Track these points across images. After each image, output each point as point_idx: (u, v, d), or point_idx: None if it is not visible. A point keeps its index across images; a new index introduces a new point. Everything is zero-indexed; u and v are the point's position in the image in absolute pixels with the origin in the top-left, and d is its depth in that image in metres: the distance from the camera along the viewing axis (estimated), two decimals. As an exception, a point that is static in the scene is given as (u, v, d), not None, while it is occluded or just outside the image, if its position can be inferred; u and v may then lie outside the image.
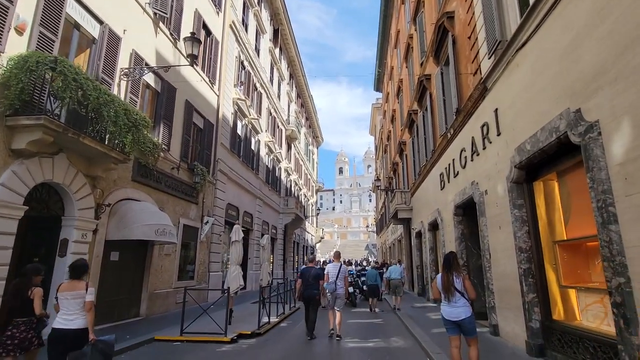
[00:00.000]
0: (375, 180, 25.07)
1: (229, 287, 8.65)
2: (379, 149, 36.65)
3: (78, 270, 4.24)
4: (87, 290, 4.13)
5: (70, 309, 4.05)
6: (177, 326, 7.87)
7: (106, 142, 7.53)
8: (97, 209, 8.12)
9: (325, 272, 8.23)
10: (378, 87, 33.48)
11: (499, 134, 7.00)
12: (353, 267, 17.05)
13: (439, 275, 5.15)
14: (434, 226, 13.26)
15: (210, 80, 14.15)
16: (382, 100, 35.35)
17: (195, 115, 12.99)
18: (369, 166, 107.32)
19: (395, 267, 13.32)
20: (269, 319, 8.96)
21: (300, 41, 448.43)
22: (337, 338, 7.61)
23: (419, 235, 16.00)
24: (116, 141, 7.80)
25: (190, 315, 8.02)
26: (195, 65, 12.71)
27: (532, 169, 6.13)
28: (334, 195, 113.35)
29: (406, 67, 18.02)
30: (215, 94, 14.72)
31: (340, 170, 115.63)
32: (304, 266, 8.60)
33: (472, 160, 8.59)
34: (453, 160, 10.07)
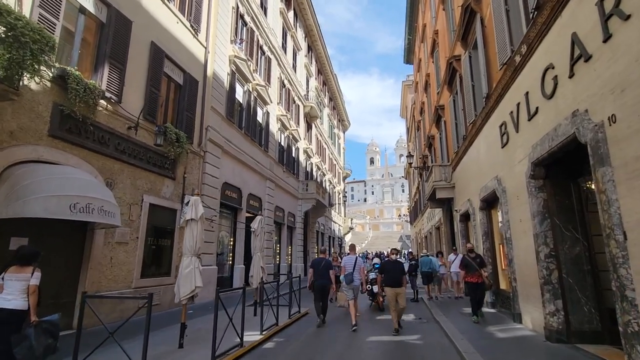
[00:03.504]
0: (407, 157, 21.23)
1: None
2: (411, 129, 32.57)
3: (24, 258, 4.31)
4: (33, 274, 4.25)
5: (11, 290, 4.11)
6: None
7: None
8: (-30, 172, 5.24)
9: (341, 265, 8.49)
10: (408, 58, 29.35)
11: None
12: (377, 260, 13.59)
13: None
14: (489, 203, 9.49)
15: (192, 27, 11.07)
16: (412, 74, 31.26)
17: (168, 64, 9.95)
18: (400, 155, 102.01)
19: (426, 258, 12.14)
20: (241, 338, 5.72)
21: (330, 34, 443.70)
22: (354, 327, 7.50)
23: (466, 217, 12.19)
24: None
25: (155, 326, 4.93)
26: (165, -1, 9.70)
27: None
28: (365, 186, 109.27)
29: (443, 9, 14.12)
30: (202, 45, 11.63)
31: (372, 161, 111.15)
32: (318, 257, 8.65)
33: (571, 75, 4.89)
34: (527, 93, 6.35)
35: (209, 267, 11.58)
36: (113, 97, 7.84)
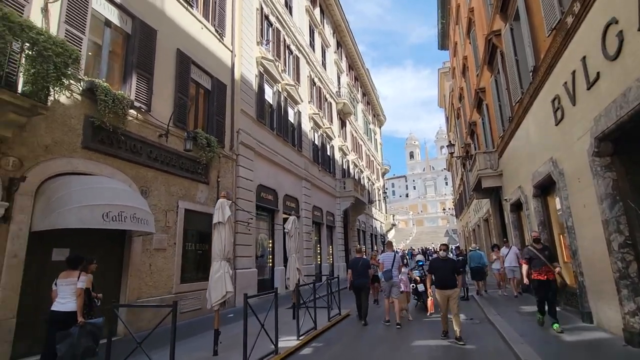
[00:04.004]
0: (447, 147, 20.11)
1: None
2: (451, 117, 31.02)
3: (70, 262, 4.77)
4: (79, 278, 4.60)
5: (63, 294, 4.54)
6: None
7: (-10, 78, 4.69)
8: (8, 186, 5.38)
9: (379, 262, 8.34)
10: (443, 44, 27.94)
11: None
12: (421, 257, 12.79)
13: None
14: (545, 188, 8.52)
15: (217, 31, 11.06)
16: (448, 61, 29.74)
17: (195, 70, 9.96)
18: (441, 147, 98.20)
19: (476, 253, 11.67)
20: (276, 344, 5.42)
21: (361, 31, 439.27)
22: (397, 326, 7.48)
23: (517, 207, 11.15)
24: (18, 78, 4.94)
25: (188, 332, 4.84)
26: (190, 7, 9.75)
27: None
28: (406, 181, 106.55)
29: (477, -16, 13.09)
30: (228, 49, 11.61)
31: (411, 155, 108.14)
32: (355, 257, 8.57)
33: (641, 29, 4.07)
34: (584, 58, 5.49)
35: (249, 270, 11.52)
36: (142, 106, 7.91)
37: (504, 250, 10.84)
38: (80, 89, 6.55)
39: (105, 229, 6.14)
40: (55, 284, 4.64)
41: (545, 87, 7.29)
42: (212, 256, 5.76)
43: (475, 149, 16.95)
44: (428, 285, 6.68)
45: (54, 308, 4.51)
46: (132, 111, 7.60)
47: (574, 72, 5.89)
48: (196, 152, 9.34)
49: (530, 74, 7.90)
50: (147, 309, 7.42)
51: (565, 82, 6.24)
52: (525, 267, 6.62)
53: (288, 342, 6.02)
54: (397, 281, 7.94)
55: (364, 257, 8.54)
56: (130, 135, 7.55)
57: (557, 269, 6.23)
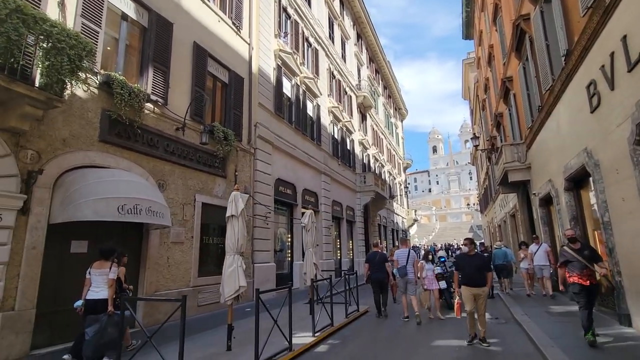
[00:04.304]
0: (472, 140, 19.40)
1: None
2: (475, 110, 29.98)
3: (103, 253, 4.97)
4: (110, 269, 4.85)
5: (97, 283, 4.82)
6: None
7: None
8: (27, 179, 5.44)
9: (394, 258, 8.27)
10: (467, 33, 26.89)
11: None
12: (443, 253, 12.34)
13: None
14: (577, 181, 7.97)
15: (234, 24, 10.95)
16: (473, 51, 28.67)
17: (212, 63, 9.89)
18: (466, 141, 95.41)
19: (500, 250, 11.18)
20: (290, 341, 5.26)
21: (383, 24, 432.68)
22: (418, 323, 7.35)
23: (547, 201, 10.55)
24: (28, 69, 4.96)
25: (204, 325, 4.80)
26: (204, -1, 9.66)
27: None
28: (429, 176, 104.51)
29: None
30: (245, 42, 11.49)
31: (434, 149, 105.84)
32: (372, 251, 8.63)
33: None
34: (624, 37, 4.98)
35: (267, 264, 11.46)
36: (159, 99, 7.90)
37: (533, 247, 10.18)
38: (97, 82, 6.57)
39: (123, 221, 6.19)
40: (89, 273, 4.90)
41: (580, 71, 6.75)
42: (225, 250, 5.65)
43: (501, 142, 16.23)
44: (455, 285, 6.14)
45: (87, 296, 4.78)
46: (148, 104, 7.59)
47: (612, 54, 5.38)
48: (213, 146, 9.30)
49: (563, 58, 7.35)
50: (164, 301, 7.43)
51: (603, 65, 5.73)
52: (562, 272, 5.65)
53: (303, 338, 5.86)
54: (412, 278, 7.82)
55: (381, 251, 8.51)
56: (147, 129, 7.55)
57: (603, 271, 5.23)
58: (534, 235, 11.03)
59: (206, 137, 8.47)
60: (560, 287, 5.81)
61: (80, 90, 6.29)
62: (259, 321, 4.61)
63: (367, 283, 8.62)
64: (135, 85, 7.16)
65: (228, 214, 5.63)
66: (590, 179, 6.84)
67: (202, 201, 8.93)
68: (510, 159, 12.48)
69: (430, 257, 8.61)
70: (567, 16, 7.18)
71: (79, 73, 5.61)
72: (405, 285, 7.81)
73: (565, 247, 5.72)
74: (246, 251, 10.55)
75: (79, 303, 4.81)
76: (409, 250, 8.14)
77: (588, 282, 5.22)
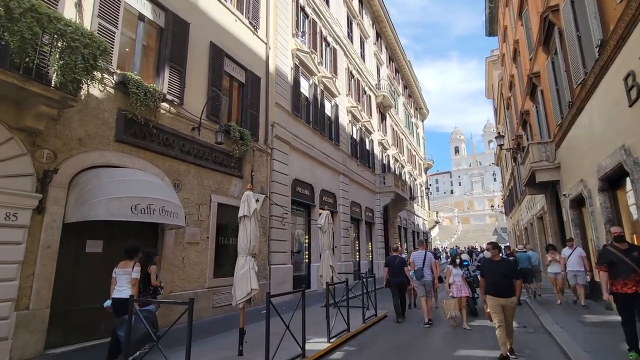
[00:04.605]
0: (496, 139, 18.64)
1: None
2: (500, 109, 28.97)
3: (128, 252, 5.14)
4: (133, 268, 5.01)
5: (121, 282, 4.97)
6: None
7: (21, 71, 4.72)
8: (42, 178, 5.46)
9: (410, 260, 8.21)
10: (491, 30, 26.00)
11: None
12: (466, 256, 11.80)
13: None
14: (613, 181, 7.39)
15: (251, 23, 10.88)
16: (497, 49, 27.73)
17: (228, 63, 9.83)
18: (489, 141, 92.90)
19: (523, 254, 10.94)
20: (303, 347, 5.03)
21: (403, 24, 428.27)
22: (429, 324, 7.44)
23: (578, 202, 9.92)
24: (44, 69, 4.96)
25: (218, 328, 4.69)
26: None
27: None
28: (451, 177, 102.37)
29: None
30: (262, 41, 11.39)
31: (457, 150, 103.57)
32: (391, 255, 8.72)
33: None
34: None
35: (284, 266, 11.30)
36: (175, 99, 7.87)
37: (565, 251, 9.41)
38: (113, 82, 6.58)
39: (138, 221, 6.15)
40: (115, 272, 5.06)
41: (616, 62, 6.24)
42: (238, 251, 5.50)
43: (527, 140, 15.50)
44: (482, 294, 5.47)
45: (113, 295, 4.94)
46: (164, 104, 7.57)
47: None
48: (229, 146, 9.22)
49: (596, 49, 6.83)
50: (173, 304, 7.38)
51: (629, 74, 5.24)
52: (604, 276, 4.82)
53: (317, 344, 5.63)
54: (429, 280, 7.80)
55: (401, 255, 8.42)
56: (163, 129, 7.53)
57: None
58: (568, 238, 10.29)
59: (222, 137, 8.39)
60: (605, 297, 4.97)
61: (96, 90, 6.31)
62: (269, 326, 4.43)
63: (387, 287, 8.59)
64: (151, 85, 7.14)
65: (240, 214, 5.45)
66: (628, 178, 6.30)
67: (218, 201, 8.85)
68: (538, 158, 11.85)
69: (458, 260, 8.00)
70: (601, 4, 6.67)
71: (94, 72, 5.60)
72: (424, 287, 7.73)
73: (608, 247, 4.92)
74: (262, 252, 10.43)
75: (108, 303, 4.98)
76: (426, 252, 8.06)
77: (634, 289, 4.47)
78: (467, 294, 7.56)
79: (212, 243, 8.61)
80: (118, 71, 6.67)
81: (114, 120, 6.58)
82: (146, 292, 5.38)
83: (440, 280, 8.67)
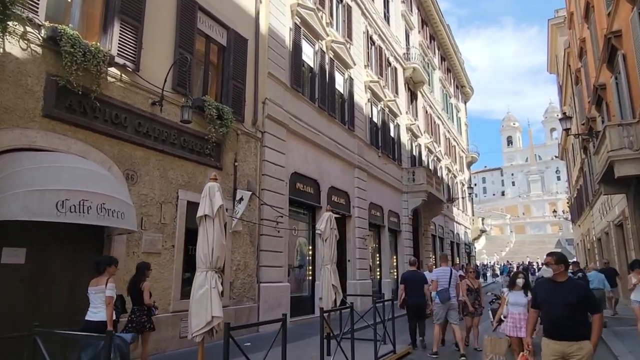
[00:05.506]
0: (560, 121, 17.67)
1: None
2: (566, 86, 27.78)
3: (98, 266, 5.34)
4: (107, 285, 5.11)
5: (95, 303, 5.13)
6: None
7: None
8: (-63, 164, 5.01)
9: (433, 278, 8.35)
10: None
11: None
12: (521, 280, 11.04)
13: None
14: None
15: (236, -32, 10.37)
16: (563, 8, 26.60)
17: (204, 19, 9.32)
18: (552, 130, 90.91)
19: (595, 274, 11.77)
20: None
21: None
22: (462, 358, 7.33)
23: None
24: None
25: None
26: None
27: None
28: (501, 175, 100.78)
29: None
30: (251, -7, 10.89)
31: (509, 141, 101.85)
32: (408, 270, 9.15)
33: None
34: None
35: (279, 284, 10.79)
36: (128, 63, 7.37)
37: None
38: (40, 38, 6.12)
39: (75, 223, 5.69)
40: (88, 292, 5.24)
41: None
42: (196, 264, 4.96)
43: (603, 123, 14.56)
44: (528, 333, 4.62)
45: (87, 317, 5.13)
46: (113, 70, 7.09)
47: None
48: (204, 127, 8.71)
49: None
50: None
51: None
52: None
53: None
54: (455, 303, 7.97)
55: (420, 271, 8.85)
56: (111, 102, 7.05)
57: None
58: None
59: (189, 114, 7.82)
60: None
61: (15, 48, 5.84)
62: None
63: (402, 308, 8.90)
64: (94, 43, 6.66)
65: (199, 213, 4.98)
66: None
67: (187, 199, 8.36)
68: (618, 145, 10.93)
69: (521, 282, 6.64)
70: None
71: (7, 22, 5.15)
72: (446, 312, 7.86)
73: None
74: (250, 267, 9.94)
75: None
76: (451, 270, 8.17)
77: None
78: (524, 334, 6.36)
79: (179, 253, 8.13)
80: (47, 24, 6.20)
81: (42, 89, 6.12)
82: (124, 310, 5.76)
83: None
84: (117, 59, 7.15)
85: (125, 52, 7.38)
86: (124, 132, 7.27)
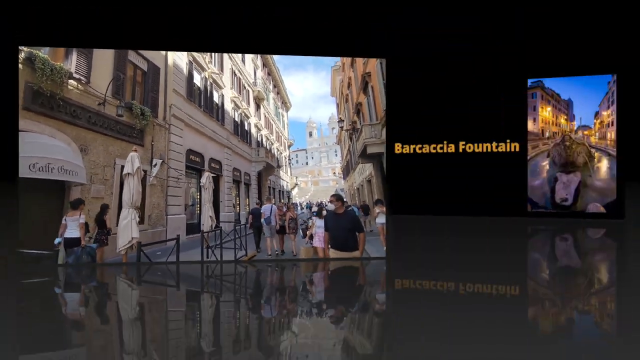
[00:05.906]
0: (338, 122, 21.38)
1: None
2: (340, 102, 32.52)
3: (73, 205, 5.50)
4: (80, 216, 5.39)
5: (71, 227, 5.35)
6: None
7: None
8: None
9: (262, 211, 8.33)
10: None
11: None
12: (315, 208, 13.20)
13: None
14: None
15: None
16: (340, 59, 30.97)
17: (134, 55, 8.98)
18: (333, 128, 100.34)
19: (356, 208, 10.96)
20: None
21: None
22: (277, 252, 6.66)
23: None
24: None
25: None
26: None
27: None
28: (306, 153, 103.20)
29: None
30: (160, 36, 10.72)
31: (310, 134, 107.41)
32: (254, 207, 8.98)
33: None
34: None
35: (179, 216, 11.35)
36: (82, 78, 7.06)
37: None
38: (21, 58, 5.80)
39: (41, 179, 5.83)
40: (65, 220, 5.42)
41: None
42: (122, 204, 5.87)
43: (361, 124, 18.33)
44: (326, 248, 4.94)
45: (66, 236, 5.33)
46: (72, 82, 6.84)
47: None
48: (132, 120, 8.79)
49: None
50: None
51: None
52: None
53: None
54: (274, 224, 8.07)
55: (258, 206, 9.22)
56: (71, 102, 6.82)
57: None
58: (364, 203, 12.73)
59: (122, 111, 8.00)
60: None
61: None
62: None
63: (250, 228, 9.53)
64: (59, 63, 6.44)
65: (125, 172, 5.89)
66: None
67: (121, 164, 8.37)
68: (369, 136, 13.32)
69: (324, 212, 6.70)
70: None
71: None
72: (270, 230, 8.09)
73: None
74: (160, 206, 10.36)
75: (59, 240, 5.22)
76: (271, 206, 8.60)
77: None
78: (322, 245, 6.67)
79: (115, 199, 8.28)
80: (25, 49, 5.86)
81: (22, 91, 5.85)
82: (102, 233, 5.77)
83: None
84: (75, 75, 6.92)
85: (81, 70, 7.12)
86: (80, 122, 7.10)
